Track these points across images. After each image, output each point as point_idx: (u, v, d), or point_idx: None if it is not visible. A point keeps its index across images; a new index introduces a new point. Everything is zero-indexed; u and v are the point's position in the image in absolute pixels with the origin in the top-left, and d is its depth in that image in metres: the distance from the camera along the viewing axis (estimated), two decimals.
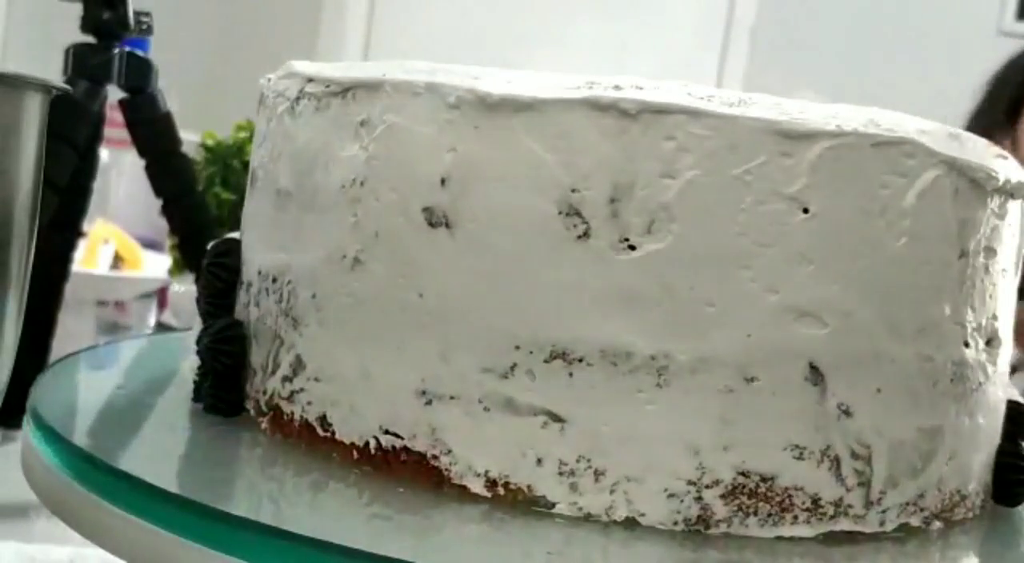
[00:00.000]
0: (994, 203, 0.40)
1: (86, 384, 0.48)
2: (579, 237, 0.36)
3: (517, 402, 0.36)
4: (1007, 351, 0.44)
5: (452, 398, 0.37)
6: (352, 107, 0.39)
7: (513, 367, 0.36)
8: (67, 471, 0.38)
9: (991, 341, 0.41)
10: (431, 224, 0.37)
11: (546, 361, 0.36)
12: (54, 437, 0.39)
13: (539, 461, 0.36)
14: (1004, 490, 0.44)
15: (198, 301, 0.47)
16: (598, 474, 0.36)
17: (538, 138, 0.36)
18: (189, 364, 0.46)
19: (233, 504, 0.37)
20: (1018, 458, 0.44)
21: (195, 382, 0.44)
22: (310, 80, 0.41)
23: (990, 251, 0.40)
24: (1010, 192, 0.41)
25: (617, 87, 0.36)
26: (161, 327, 1.03)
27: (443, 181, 0.37)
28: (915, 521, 0.39)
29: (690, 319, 0.35)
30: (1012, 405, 0.44)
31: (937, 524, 0.40)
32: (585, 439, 0.36)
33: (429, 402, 0.37)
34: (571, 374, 0.36)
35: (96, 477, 0.36)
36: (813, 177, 0.36)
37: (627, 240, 0.35)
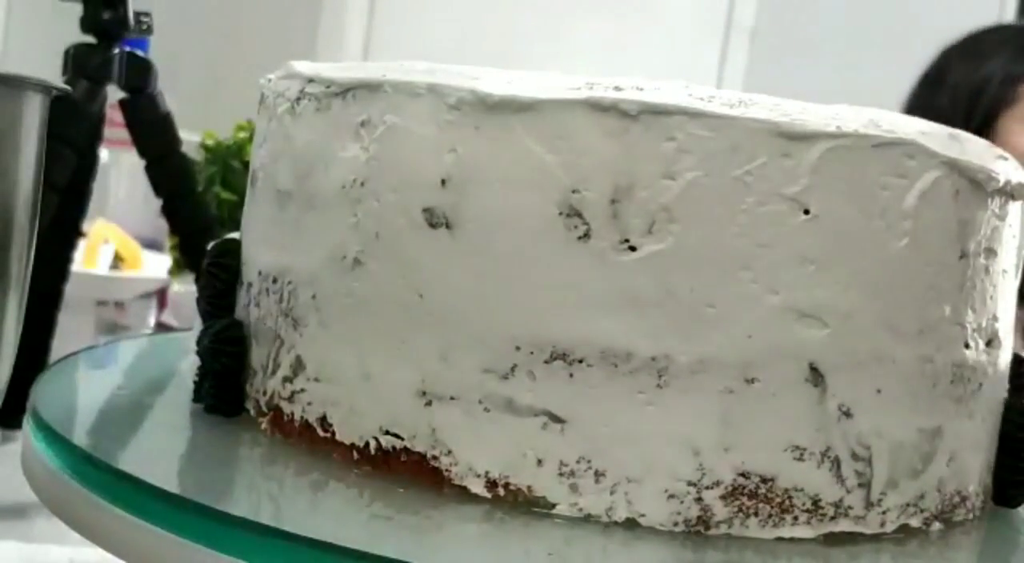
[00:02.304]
0: (994, 204, 0.40)
1: (86, 384, 0.48)
2: (580, 238, 0.36)
3: (517, 403, 0.36)
4: (1007, 352, 0.44)
5: (452, 399, 0.37)
6: (353, 108, 0.39)
7: (513, 368, 0.36)
8: (67, 471, 0.37)
9: (991, 342, 0.41)
10: (432, 225, 0.37)
11: (546, 362, 0.36)
12: (54, 437, 0.39)
13: (539, 462, 0.36)
14: (1004, 491, 0.44)
15: (198, 301, 0.47)
16: (598, 475, 0.36)
17: (539, 139, 0.36)
18: (189, 364, 0.46)
19: (233, 504, 0.37)
20: (1017, 459, 0.44)
21: (195, 382, 0.44)
22: (310, 81, 0.41)
23: (990, 252, 0.40)
24: (1011, 193, 0.41)
25: (617, 88, 0.36)
26: (161, 327, 1.03)
27: (443, 182, 0.37)
28: (915, 522, 0.39)
29: (690, 320, 0.35)
30: (1009, 405, 0.44)
31: (937, 525, 0.40)
32: (585, 440, 0.36)
33: (429, 403, 0.37)
34: (571, 375, 0.36)
35: (96, 477, 0.36)
36: (814, 178, 0.36)
37: (628, 241, 0.35)
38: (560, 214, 0.36)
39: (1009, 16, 1.97)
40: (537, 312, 0.36)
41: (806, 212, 0.36)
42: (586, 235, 0.35)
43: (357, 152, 0.38)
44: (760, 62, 1.99)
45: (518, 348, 0.36)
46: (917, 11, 1.92)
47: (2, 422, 0.57)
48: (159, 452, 0.41)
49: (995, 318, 0.41)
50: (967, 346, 0.40)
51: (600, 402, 0.36)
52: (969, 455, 0.41)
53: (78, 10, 0.72)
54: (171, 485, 0.36)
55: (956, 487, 0.40)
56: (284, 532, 0.33)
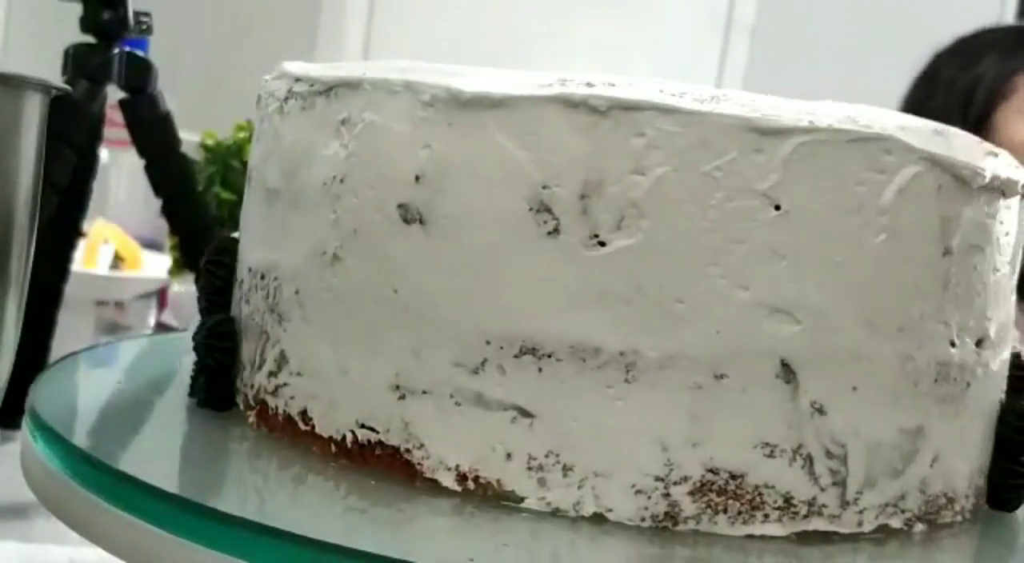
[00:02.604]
0: (982, 200, 0.39)
1: (85, 384, 0.48)
2: (549, 233, 0.36)
3: (487, 397, 0.36)
4: (1003, 353, 0.43)
5: (424, 393, 0.37)
6: (334, 106, 0.40)
7: (484, 362, 0.36)
8: (66, 471, 0.38)
9: (981, 342, 0.41)
10: (406, 220, 0.37)
11: (516, 356, 0.36)
12: (53, 437, 0.39)
13: (508, 456, 0.36)
14: (998, 494, 0.43)
15: (198, 299, 0.48)
16: (566, 469, 0.36)
17: (510, 135, 0.36)
18: (189, 364, 0.46)
19: (223, 501, 0.37)
20: (1013, 462, 0.43)
21: (191, 378, 0.45)
22: (297, 80, 0.42)
23: (977, 249, 0.39)
24: (1000, 189, 0.40)
25: (589, 84, 0.36)
26: (161, 327, 1.03)
27: (418, 178, 0.37)
28: (896, 523, 0.38)
29: (659, 315, 0.35)
30: (1006, 407, 0.43)
31: (920, 527, 0.39)
32: (554, 434, 0.36)
33: (403, 396, 0.37)
34: (540, 369, 0.36)
35: (95, 477, 0.36)
36: (785, 173, 0.35)
37: (597, 236, 0.35)
38: (530, 210, 0.36)
39: (1009, 16, 1.95)
40: (507, 307, 0.36)
41: (777, 208, 0.35)
42: (556, 230, 0.36)
43: (338, 149, 0.39)
44: (760, 61, 1.99)
45: (488, 342, 0.36)
46: (917, 11, 1.90)
47: (2, 422, 0.57)
48: (158, 452, 0.42)
49: (986, 318, 0.41)
50: (953, 345, 0.39)
51: (569, 397, 0.36)
52: (956, 456, 0.40)
53: (78, 10, 0.72)
54: (170, 485, 0.36)
55: (942, 488, 0.40)
56: (271, 529, 0.33)
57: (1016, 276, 0.44)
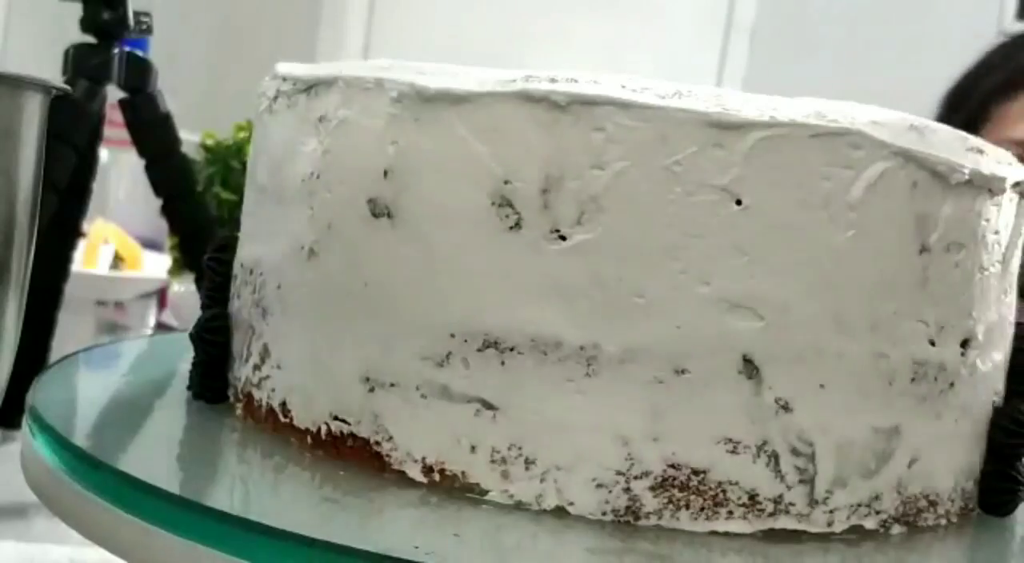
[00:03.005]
0: (964, 197, 0.39)
1: (85, 384, 0.49)
2: (511, 228, 0.36)
3: (452, 390, 0.37)
4: (997, 354, 0.42)
5: (392, 385, 0.37)
6: (314, 103, 0.40)
7: (448, 355, 0.37)
8: (66, 471, 0.38)
9: (968, 342, 0.40)
10: (375, 215, 0.38)
11: (479, 350, 0.36)
12: (54, 437, 0.39)
13: (473, 448, 0.36)
14: (990, 498, 0.42)
15: (200, 295, 0.49)
16: (528, 462, 0.36)
17: (473, 130, 0.36)
18: (188, 364, 0.47)
19: (215, 496, 0.37)
20: (1006, 466, 0.42)
21: (190, 371, 0.46)
22: (284, 79, 0.42)
23: (959, 247, 0.39)
24: (986, 187, 0.39)
25: (552, 80, 0.36)
26: (161, 327, 1.04)
27: (386, 173, 0.38)
28: (871, 524, 0.38)
29: (619, 310, 0.35)
30: (1000, 411, 0.42)
31: (898, 528, 0.38)
32: (516, 427, 0.36)
33: (372, 389, 0.38)
34: (503, 363, 0.36)
35: (95, 477, 0.37)
36: (747, 168, 0.35)
37: (558, 231, 0.36)
38: (492, 204, 0.36)
39: (1009, 15, 1.90)
40: (470, 301, 0.36)
41: (738, 202, 0.35)
42: (517, 225, 0.36)
43: (315, 146, 0.40)
44: (760, 62, 1.98)
45: (453, 336, 0.37)
46: (917, 11, 1.87)
47: (2, 422, 0.58)
48: (156, 449, 0.42)
49: (971, 317, 0.40)
50: (933, 344, 0.39)
51: (530, 390, 0.36)
52: (938, 458, 0.39)
53: (78, 10, 0.73)
54: (166, 482, 0.36)
55: (921, 490, 0.39)
56: (255, 524, 0.33)
57: (1015, 275, 0.43)
